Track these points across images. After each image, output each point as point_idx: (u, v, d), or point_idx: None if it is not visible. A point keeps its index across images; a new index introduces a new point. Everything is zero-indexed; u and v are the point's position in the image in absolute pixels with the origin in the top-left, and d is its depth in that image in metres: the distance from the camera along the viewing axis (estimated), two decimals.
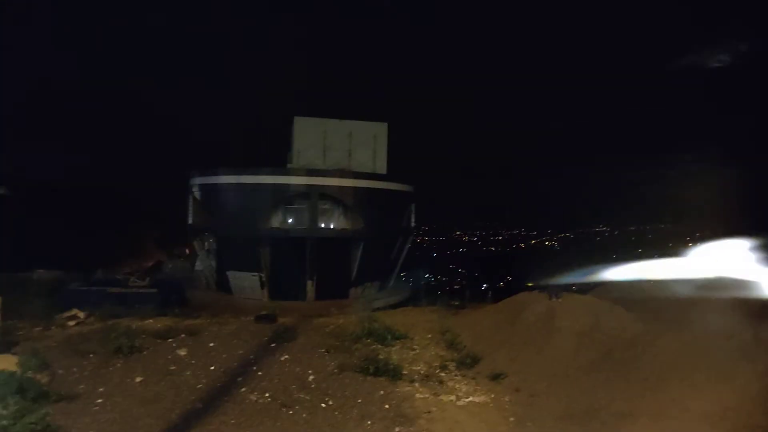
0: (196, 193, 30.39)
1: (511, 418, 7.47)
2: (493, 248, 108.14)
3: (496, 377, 8.75)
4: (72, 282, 20.77)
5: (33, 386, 7.00)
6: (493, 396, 8.17)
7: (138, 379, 8.00)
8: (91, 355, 8.79)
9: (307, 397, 7.64)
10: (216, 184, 28.98)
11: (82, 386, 7.65)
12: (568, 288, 11.56)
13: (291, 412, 7.16)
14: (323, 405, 7.43)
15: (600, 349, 9.03)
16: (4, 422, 5.80)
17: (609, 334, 9.33)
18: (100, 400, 7.26)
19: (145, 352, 9.08)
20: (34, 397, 6.77)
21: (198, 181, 30.11)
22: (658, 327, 9.41)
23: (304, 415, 7.11)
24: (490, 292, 16.51)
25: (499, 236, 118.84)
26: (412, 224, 33.57)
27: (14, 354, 8.36)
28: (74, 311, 11.63)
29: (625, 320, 9.65)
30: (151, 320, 11.50)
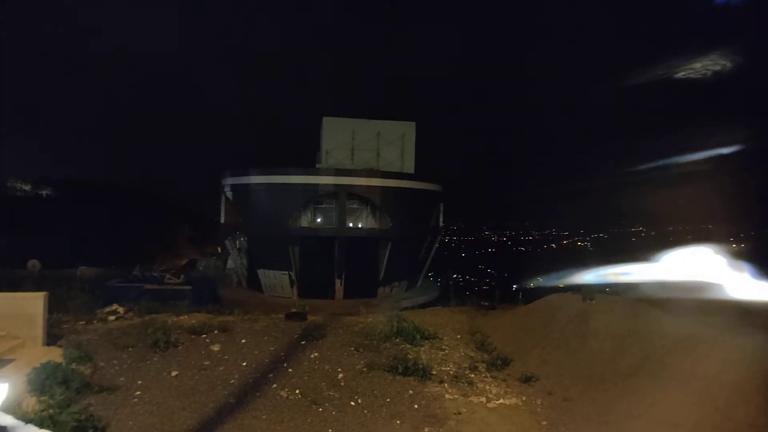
0: (228, 193, 31.12)
1: (544, 422, 7.28)
2: (523, 248, 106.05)
3: (527, 380, 8.56)
4: (112, 278, 21.64)
5: (77, 378, 7.31)
6: (524, 399, 7.99)
7: (174, 373, 8.23)
8: (130, 349, 9.11)
9: (337, 395, 7.68)
10: (247, 184, 29.58)
11: (121, 378, 7.94)
12: (602, 289, 11.20)
13: (321, 410, 7.21)
14: (352, 403, 7.45)
15: (638, 353, 8.68)
16: (50, 411, 6.07)
17: (648, 337, 8.97)
18: (138, 393, 7.51)
19: (180, 347, 9.34)
20: (77, 389, 7.07)
21: (229, 181, 30.82)
22: (701, 331, 8.98)
23: (333, 413, 7.15)
24: (520, 293, 16.16)
25: (529, 236, 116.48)
26: (441, 224, 33.33)
27: (59, 346, 8.77)
28: (114, 306, 12.09)
29: (665, 323, 9.25)
30: (185, 316, 11.83)
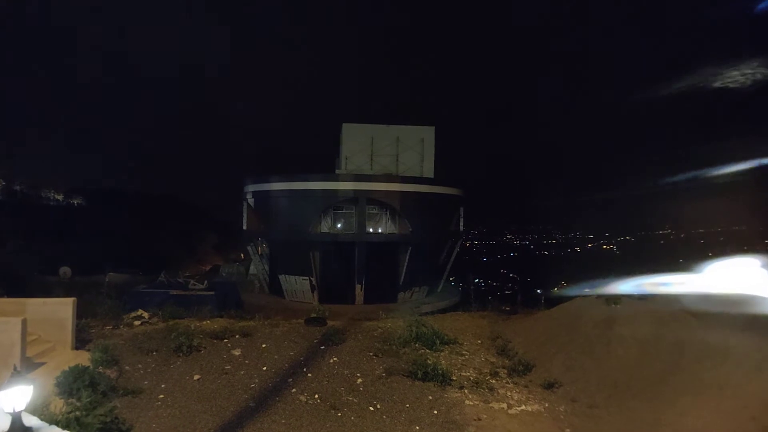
0: (250, 200, 31.62)
1: (567, 429, 7.10)
2: (546, 252, 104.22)
3: (550, 386, 8.36)
4: (138, 284, 22.20)
5: (103, 381, 7.51)
6: (547, 405, 7.80)
7: (196, 377, 8.37)
8: (154, 353, 9.31)
9: (356, 400, 7.66)
10: (268, 191, 30.00)
11: (146, 382, 8.11)
12: (627, 294, 10.87)
13: (339, 414, 7.20)
14: (371, 408, 7.41)
15: (666, 360, 8.39)
16: (78, 413, 6.24)
17: (676, 343, 8.65)
18: (161, 396, 7.66)
19: (202, 351, 9.50)
20: (103, 391, 7.25)
21: (251, 188, 31.32)
22: (734, 335, 8.62)
23: (352, 418, 7.13)
24: (543, 298, 15.85)
25: (552, 240, 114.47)
26: (461, 228, 33.06)
27: (87, 350, 9.03)
28: (140, 311, 12.39)
29: (694, 328, 8.92)
30: (208, 321, 12.03)
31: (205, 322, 11.81)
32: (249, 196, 31.64)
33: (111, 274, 27.60)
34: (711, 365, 8.17)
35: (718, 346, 8.51)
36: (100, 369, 8.06)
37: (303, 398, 7.69)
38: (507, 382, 8.61)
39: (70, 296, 9.95)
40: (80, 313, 10.11)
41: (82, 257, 32.36)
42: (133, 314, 12.22)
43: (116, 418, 6.50)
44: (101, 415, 6.32)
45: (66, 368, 7.38)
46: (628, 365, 8.51)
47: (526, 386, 8.48)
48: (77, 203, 59.21)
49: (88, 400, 6.71)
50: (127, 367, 8.62)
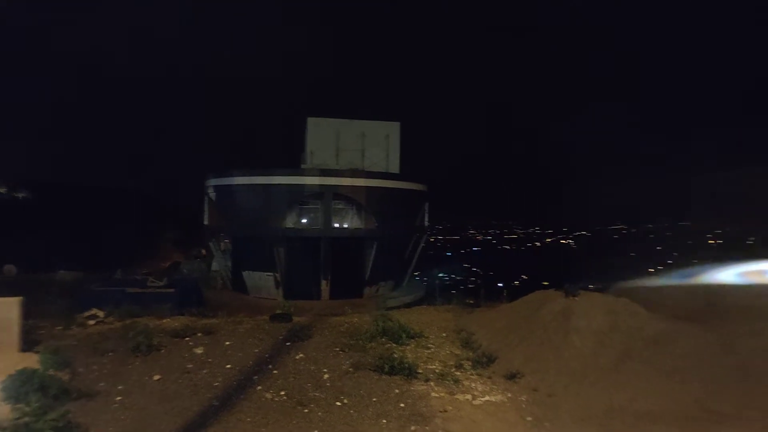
0: (212, 195, 30.75)
1: (529, 418, 7.36)
2: (507, 247, 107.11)
3: (512, 376, 8.64)
4: (92, 282, 21.18)
5: (54, 384, 7.14)
6: (509, 395, 8.06)
7: (156, 378, 8.10)
8: (110, 354, 8.93)
9: (323, 396, 7.64)
10: (230, 185, 29.28)
11: (101, 384, 7.77)
12: (584, 286, 11.35)
13: (306, 411, 7.17)
14: (338, 404, 7.42)
15: (619, 348, 8.84)
16: (26, 419, 5.92)
17: (628, 332, 9.14)
18: (119, 398, 7.37)
19: (162, 351, 9.19)
20: (55, 395, 6.90)
21: (213, 182, 30.47)
22: (678, 325, 9.19)
23: (319, 414, 7.11)
24: (505, 291, 16.32)
25: (514, 234, 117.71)
26: (426, 223, 33.45)
27: (36, 352, 8.55)
28: (94, 311, 11.84)
29: (644, 319, 9.44)
30: (168, 319, 11.65)
31: (165, 321, 11.43)
32: (211, 191, 30.77)
33: (61, 272, 26.20)
34: (658, 351, 8.69)
35: (666, 334, 9.06)
36: (51, 372, 7.66)
37: (269, 395, 7.60)
38: (471, 374, 8.82)
39: (16, 295, 9.37)
40: (28, 314, 9.55)
41: (29, 254, 30.50)
42: (86, 314, 11.66)
43: (69, 422, 6.21)
44: (53, 419, 6.02)
45: (12, 372, 6.98)
46: (585, 354, 8.91)
47: (489, 377, 8.72)
48: (22, 197, 55.65)
49: (38, 404, 6.37)
50: (80, 369, 8.23)
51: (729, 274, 11.67)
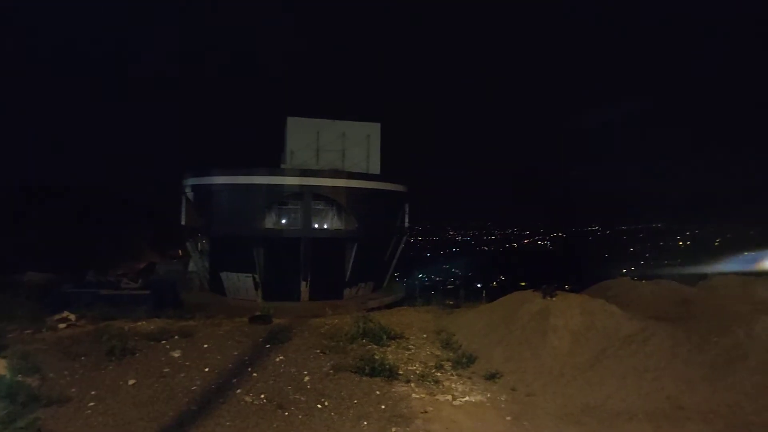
0: (189, 194, 30.17)
1: (508, 418, 7.46)
2: (486, 248, 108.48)
3: (492, 377, 8.74)
4: (63, 284, 20.51)
5: (23, 390, 6.88)
6: (489, 395, 8.15)
7: (131, 382, 7.89)
8: (82, 358, 8.66)
9: (303, 398, 7.58)
10: (209, 184, 28.79)
11: (73, 389, 7.53)
12: (561, 287, 11.57)
13: (287, 414, 7.10)
14: (319, 406, 7.38)
15: (595, 348, 9.05)
16: None
17: (603, 332, 9.36)
18: (92, 404, 7.15)
19: (138, 354, 8.96)
20: (24, 402, 6.65)
21: (191, 182, 29.89)
22: (652, 324, 9.46)
23: (300, 417, 7.05)
24: (484, 292, 16.51)
25: (492, 236, 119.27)
26: (406, 224, 33.58)
27: (3, 357, 8.21)
28: (65, 313, 11.45)
29: (619, 318, 9.68)
30: (143, 322, 11.36)
31: (140, 323, 11.14)
32: (188, 191, 30.19)
33: (30, 273, 25.30)
34: (633, 350, 8.93)
35: (640, 333, 9.31)
36: (20, 377, 7.38)
37: (248, 399, 7.50)
38: (451, 375, 8.89)
39: None
40: None
41: None
42: (57, 317, 11.27)
43: (39, 430, 6.02)
44: (21, 428, 5.83)
45: None
46: (562, 354, 9.09)
47: (469, 378, 8.81)
48: None
49: (5, 412, 6.14)
50: (51, 375, 7.95)
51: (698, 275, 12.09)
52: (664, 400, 7.84)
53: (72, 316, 11.31)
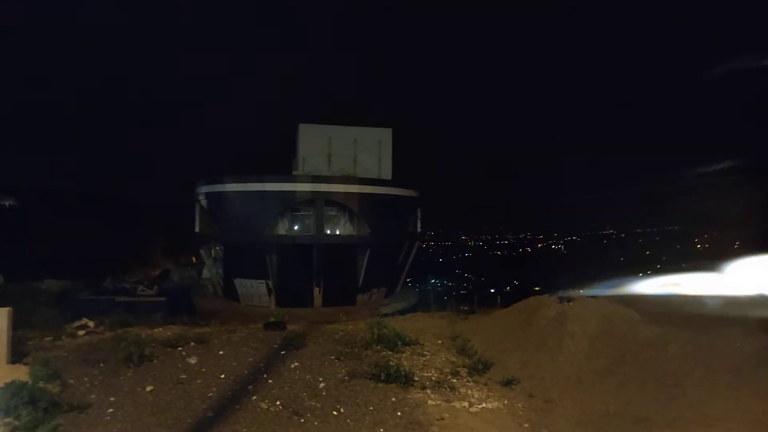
0: (203, 202, 30.54)
1: (526, 425, 7.36)
2: (499, 252, 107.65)
3: (508, 383, 8.64)
4: (81, 291, 20.85)
5: (44, 396, 6.99)
6: (506, 402, 8.06)
7: (149, 388, 7.97)
8: (101, 365, 8.77)
9: (319, 405, 7.58)
10: (222, 192, 29.12)
11: (93, 396, 7.62)
12: (577, 292, 11.42)
13: (302, 420, 7.10)
14: (335, 413, 7.36)
15: (613, 353, 8.90)
16: None
17: (622, 337, 9.21)
18: (111, 410, 7.23)
19: (155, 361, 9.05)
20: (45, 408, 6.75)
21: (204, 189, 30.26)
22: (672, 330, 9.27)
23: (315, 423, 7.04)
24: (498, 297, 16.35)
25: (505, 240, 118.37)
26: (419, 229, 33.51)
27: (25, 364, 8.37)
28: (84, 320, 11.63)
29: (637, 323, 9.52)
30: (160, 329, 11.48)
31: (156, 330, 11.26)
32: (202, 198, 30.56)
33: (48, 280, 25.78)
34: (652, 355, 8.75)
35: (659, 338, 9.13)
36: (41, 384, 7.49)
37: (264, 405, 7.51)
38: (468, 381, 8.81)
39: (4, 305, 9.18)
40: (16, 324, 9.34)
41: (15, 263, 29.94)
42: (76, 324, 11.45)
43: None
44: None
45: (1, 385, 6.82)
46: (579, 360, 8.95)
47: (485, 384, 8.72)
48: (9, 205, 54.73)
49: (29, 418, 6.24)
50: (71, 381, 8.06)
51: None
52: (686, 407, 7.66)
53: (91, 323, 11.49)
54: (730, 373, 8.07)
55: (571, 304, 10.12)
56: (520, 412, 7.73)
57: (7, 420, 6.20)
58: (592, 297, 10.99)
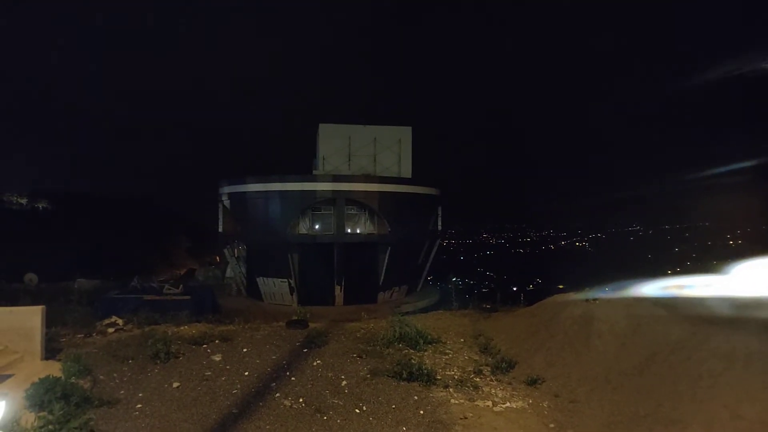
0: (225, 202, 31.04)
1: (551, 425, 7.20)
2: (521, 250, 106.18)
3: (533, 382, 8.47)
4: (110, 290, 21.48)
5: (76, 392, 7.19)
6: (530, 402, 7.90)
7: (175, 385, 8.12)
8: (130, 361, 9.00)
9: (341, 403, 7.58)
10: (244, 192, 29.52)
11: (122, 392, 7.82)
12: (604, 290, 11.13)
13: (325, 418, 7.11)
14: (357, 411, 7.35)
15: (643, 353, 8.61)
16: (51, 427, 5.96)
17: (652, 337, 8.91)
18: (139, 406, 7.40)
19: (181, 358, 9.23)
20: (77, 403, 6.95)
21: (227, 189, 30.75)
22: (705, 329, 8.92)
23: (338, 421, 7.04)
24: (521, 295, 16.10)
25: (527, 238, 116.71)
26: (439, 227, 33.30)
27: (58, 360, 8.65)
28: (114, 318, 11.97)
29: (668, 322, 9.19)
30: (185, 326, 11.72)
31: (182, 328, 11.50)
32: (225, 198, 31.07)
33: (80, 280, 26.63)
34: (685, 356, 8.44)
35: (691, 338, 8.81)
36: (73, 379, 7.73)
37: (287, 402, 7.56)
38: (491, 380, 8.68)
39: (38, 304, 9.51)
40: (49, 322, 9.69)
41: (49, 263, 31.08)
42: (106, 321, 11.80)
43: (92, 430, 6.26)
44: (76, 428, 6.07)
45: (36, 380, 7.05)
46: (607, 359, 8.70)
47: (509, 383, 8.57)
48: (42, 207, 56.86)
49: (61, 412, 6.42)
50: (101, 377, 8.29)
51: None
52: (721, 409, 7.35)
53: (120, 321, 11.82)
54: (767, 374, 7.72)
55: (597, 302, 9.86)
56: (546, 412, 7.56)
57: (42, 414, 6.40)
58: (619, 296, 10.69)
